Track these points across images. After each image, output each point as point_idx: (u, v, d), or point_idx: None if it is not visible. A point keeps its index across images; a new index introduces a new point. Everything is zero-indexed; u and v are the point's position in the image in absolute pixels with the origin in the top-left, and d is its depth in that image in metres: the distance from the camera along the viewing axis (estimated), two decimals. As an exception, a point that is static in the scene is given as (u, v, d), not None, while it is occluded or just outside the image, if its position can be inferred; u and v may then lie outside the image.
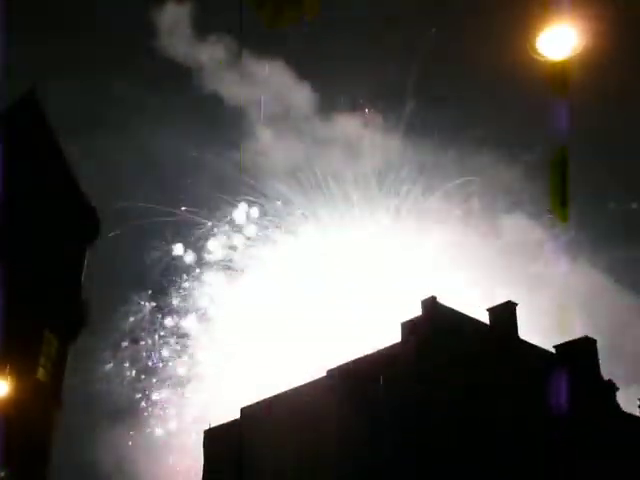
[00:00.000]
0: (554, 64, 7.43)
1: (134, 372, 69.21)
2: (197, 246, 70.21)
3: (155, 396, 68.08)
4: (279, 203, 70.09)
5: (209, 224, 70.06)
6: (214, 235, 69.77)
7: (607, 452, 32.35)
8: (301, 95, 68.87)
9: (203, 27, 72.74)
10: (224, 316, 68.50)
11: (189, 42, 69.51)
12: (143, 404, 68.34)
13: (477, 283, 60.13)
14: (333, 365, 36.07)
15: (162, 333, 69.13)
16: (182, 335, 68.77)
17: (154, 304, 70.07)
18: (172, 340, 69.04)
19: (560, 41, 7.33)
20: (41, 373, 30.22)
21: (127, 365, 69.16)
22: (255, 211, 69.79)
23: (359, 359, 35.24)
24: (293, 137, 73.20)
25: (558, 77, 7.42)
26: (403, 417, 30.54)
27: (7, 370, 20.69)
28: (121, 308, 68.97)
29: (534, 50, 7.54)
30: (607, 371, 36.85)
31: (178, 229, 70.42)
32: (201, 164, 71.90)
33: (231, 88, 71.67)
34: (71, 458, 52.13)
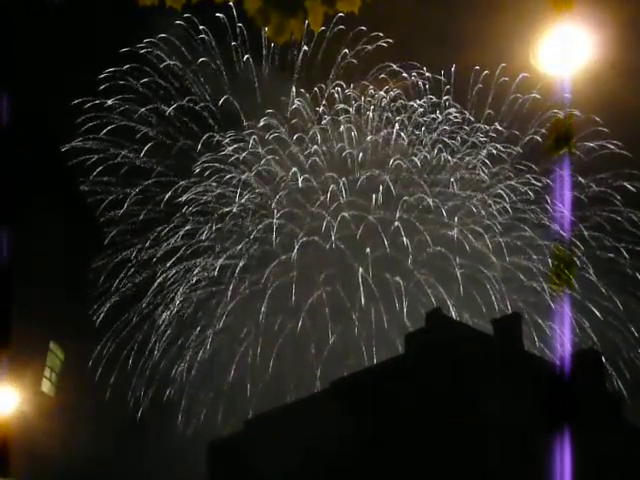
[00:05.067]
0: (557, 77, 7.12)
1: None
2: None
3: None
4: None
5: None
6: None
7: (613, 466, 32.17)
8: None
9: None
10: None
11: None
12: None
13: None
14: (336, 377, 36.04)
15: None
16: None
17: None
18: None
19: (565, 52, 6.89)
20: (46, 386, 30.07)
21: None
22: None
23: (362, 371, 35.24)
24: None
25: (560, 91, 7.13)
26: (407, 429, 30.46)
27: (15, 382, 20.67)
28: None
29: (536, 61, 7.25)
30: (623, 384, 36.67)
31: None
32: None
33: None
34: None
